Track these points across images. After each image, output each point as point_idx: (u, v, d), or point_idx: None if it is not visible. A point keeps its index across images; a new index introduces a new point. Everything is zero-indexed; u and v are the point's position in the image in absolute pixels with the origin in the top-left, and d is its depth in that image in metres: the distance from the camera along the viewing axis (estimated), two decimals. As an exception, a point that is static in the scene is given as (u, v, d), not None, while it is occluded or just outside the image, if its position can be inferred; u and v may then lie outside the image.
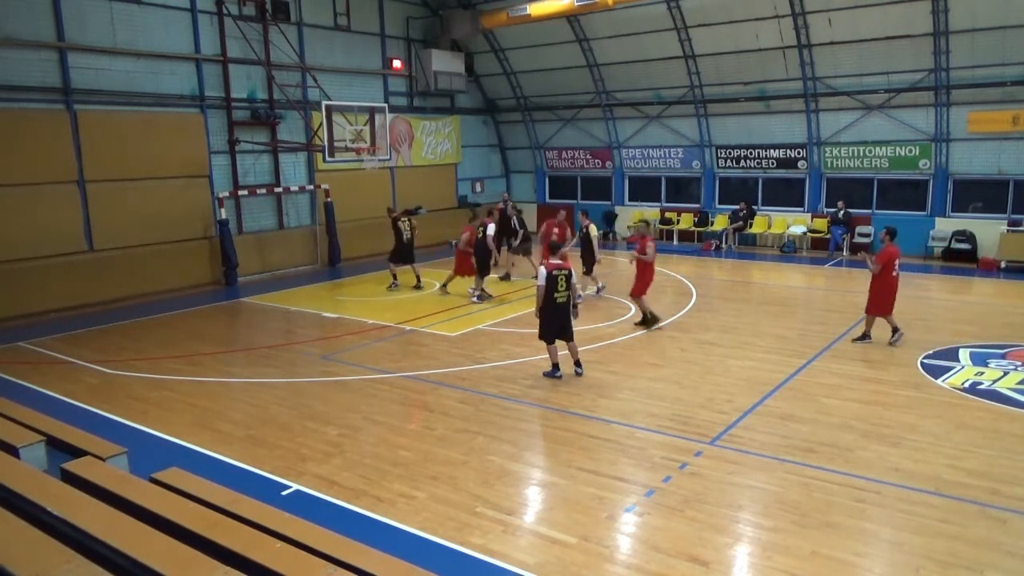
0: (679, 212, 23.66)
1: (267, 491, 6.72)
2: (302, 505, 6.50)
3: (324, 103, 17.49)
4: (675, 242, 23.21)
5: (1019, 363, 10.34)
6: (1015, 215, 18.44)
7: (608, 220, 24.71)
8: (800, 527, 6.10)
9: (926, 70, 18.44)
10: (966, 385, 9.53)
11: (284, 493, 6.84)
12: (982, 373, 9.97)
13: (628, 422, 8.50)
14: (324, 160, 18.17)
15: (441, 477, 7.13)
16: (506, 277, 17.38)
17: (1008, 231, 18.09)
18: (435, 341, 12.30)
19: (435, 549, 5.84)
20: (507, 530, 6.16)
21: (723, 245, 21.77)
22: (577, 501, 6.63)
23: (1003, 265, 17.86)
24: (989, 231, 18.46)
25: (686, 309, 14.23)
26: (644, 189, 24.69)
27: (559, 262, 9.87)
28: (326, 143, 17.36)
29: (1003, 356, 10.69)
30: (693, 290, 16.01)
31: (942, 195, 19.50)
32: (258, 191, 18.63)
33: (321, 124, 17.44)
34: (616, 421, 8.54)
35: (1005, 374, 9.88)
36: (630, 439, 8.06)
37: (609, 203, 25.09)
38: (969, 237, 18.80)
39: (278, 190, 19.16)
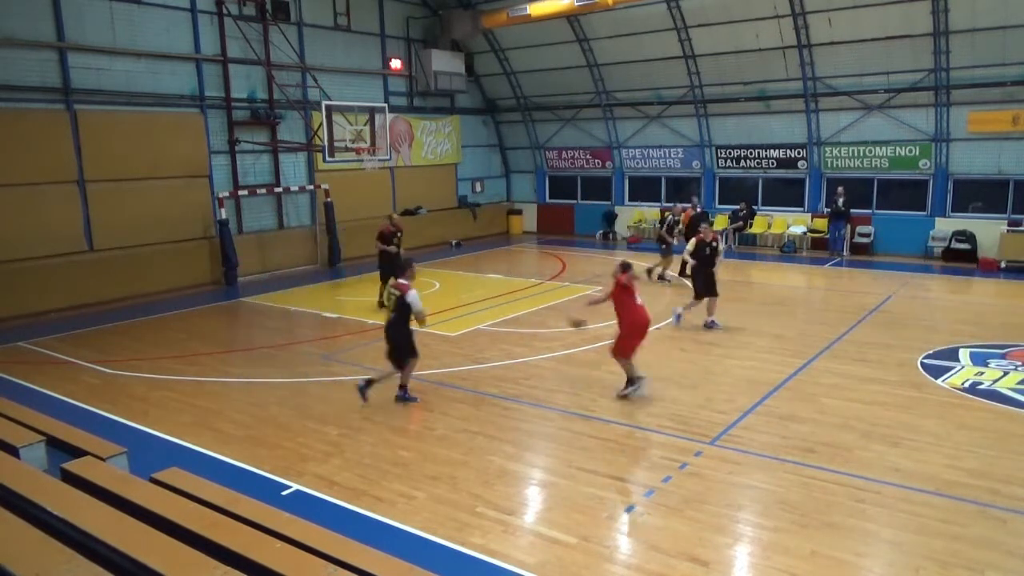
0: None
1: (267, 491, 6.72)
2: (302, 505, 6.50)
3: (324, 103, 17.50)
4: (676, 242, 23.15)
5: (1019, 363, 10.33)
6: (1015, 215, 18.44)
7: (608, 220, 24.72)
8: (800, 527, 6.11)
9: (926, 70, 18.44)
10: (966, 385, 9.53)
11: (284, 493, 6.84)
12: (982, 373, 9.97)
13: (628, 422, 8.50)
14: (324, 160, 18.18)
15: (441, 477, 7.14)
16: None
17: (1008, 231, 18.08)
18: (435, 341, 12.29)
19: (435, 549, 5.84)
20: (507, 530, 6.16)
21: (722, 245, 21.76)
22: (577, 501, 6.63)
23: (1003, 265, 17.85)
24: (989, 231, 18.45)
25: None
26: (644, 189, 24.69)
27: None
28: (326, 143, 17.37)
29: (1003, 356, 10.68)
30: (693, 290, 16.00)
31: (942, 195, 19.49)
32: (258, 191, 18.63)
33: (321, 124, 17.45)
34: (616, 421, 8.54)
35: (1005, 374, 9.88)
36: (630, 439, 8.06)
37: (609, 203, 25.09)
38: (969, 237, 18.80)
39: (278, 190, 19.16)
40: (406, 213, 23.04)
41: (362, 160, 18.37)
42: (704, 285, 12.61)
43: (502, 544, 5.91)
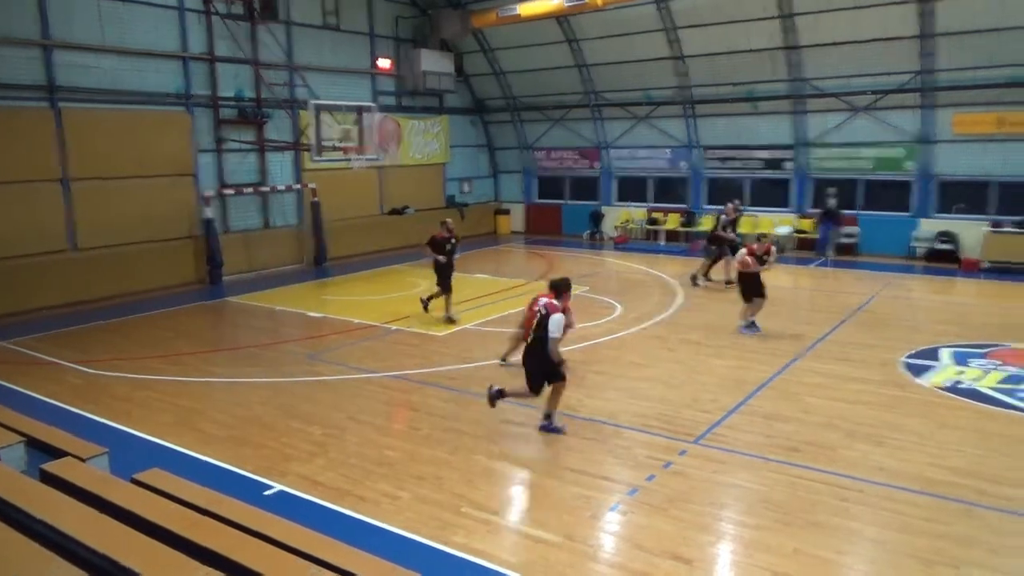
0: (666, 212, 23.73)
1: (250, 491, 6.68)
2: (285, 505, 6.47)
3: (312, 102, 17.42)
4: (663, 242, 23.28)
5: (1000, 362, 10.45)
6: (998, 216, 18.61)
7: (595, 220, 24.76)
8: (783, 525, 6.14)
9: (912, 72, 18.58)
10: (948, 384, 9.62)
11: (267, 493, 6.80)
12: (963, 372, 10.07)
13: (613, 421, 8.51)
14: (312, 159, 18.10)
15: (426, 477, 7.12)
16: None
17: (991, 232, 18.26)
18: (422, 341, 12.29)
19: (419, 549, 5.83)
20: (491, 529, 6.16)
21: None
22: (561, 500, 6.64)
23: (985, 265, 18.02)
24: (972, 232, 18.62)
25: (672, 309, 14.29)
26: (632, 189, 24.74)
27: None
28: (314, 142, 17.30)
29: (984, 356, 10.79)
30: (680, 290, 16.08)
31: (926, 196, 19.65)
32: (244, 190, 18.53)
33: (309, 123, 17.38)
34: (601, 420, 8.55)
35: (986, 373, 9.98)
36: (615, 438, 8.08)
37: (597, 203, 25.13)
38: (952, 238, 18.96)
39: (264, 189, 19.06)
40: (393, 212, 23.03)
41: (350, 159, 18.31)
42: (749, 289, 12.39)
43: (486, 543, 5.91)
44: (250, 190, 18.67)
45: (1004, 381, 9.65)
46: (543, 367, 7.97)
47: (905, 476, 7.02)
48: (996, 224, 18.38)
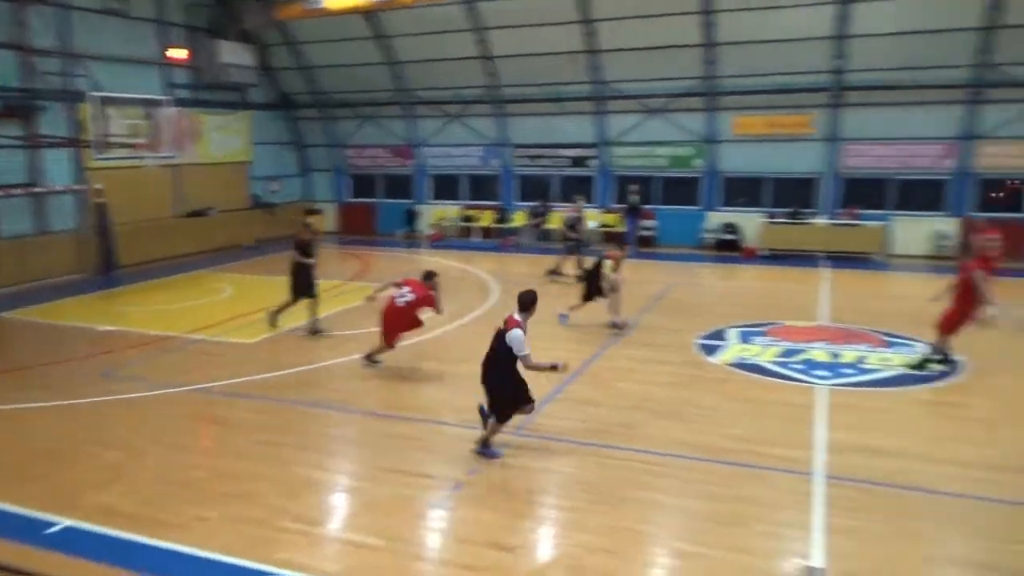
0: (481, 209, 24.18)
1: (32, 531, 5.95)
2: (77, 542, 5.83)
3: (94, 94, 15.79)
4: (477, 239, 23.69)
5: (776, 338, 11.75)
6: (772, 208, 20.93)
7: (410, 218, 24.69)
8: (597, 504, 6.49)
9: (698, 77, 20.32)
10: (735, 361, 10.67)
11: (51, 531, 6.04)
12: (747, 349, 11.21)
13: (434, 418, 8.55)
14: (95, 157, 16.41)
15: (239, 494, 6.73)
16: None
17: (767, 223, 20.49)
18: (229, 349, 11.60)
19: (238, 571, 5.50)
20: (312, 541, 5.96)
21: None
22: (384, 503, 6.57)
23: (763, 253, 20.17)
24: (751, 223, 20.80)
25: (489, 304, 14.60)
26: (446, 187, 24.97)
27: None
28: (97, 138, 15.69)
29: (764, 333, 12.09)
30: (495, 286, 16.46)
31: (712, 191, 21.64)
32: (13, 191, 16.40)
33: (91, 117, 15.74)
34: (422, 419, 8.56)
35: (765, 349, 11.18)
36: (436, 435, 8.13)
37: (412, 201, 25.07)
38: (735, 228, 21.07)
39: (39, 190, 17.00)
40: (194, 214, 21.53)
41: (141, 157, 16.83)
42: (592, 289, 12.75)
43: (308, 556, 5.70)
44: (19, 191, 16.58)
45: (780, 355, 10.87)
46: (504, 385, 7.35)
47: (700, 447, 7.68)
48: (771, 216, 20.66)
